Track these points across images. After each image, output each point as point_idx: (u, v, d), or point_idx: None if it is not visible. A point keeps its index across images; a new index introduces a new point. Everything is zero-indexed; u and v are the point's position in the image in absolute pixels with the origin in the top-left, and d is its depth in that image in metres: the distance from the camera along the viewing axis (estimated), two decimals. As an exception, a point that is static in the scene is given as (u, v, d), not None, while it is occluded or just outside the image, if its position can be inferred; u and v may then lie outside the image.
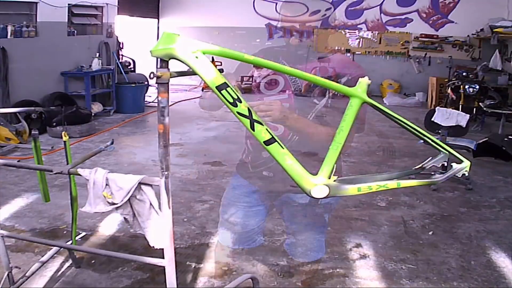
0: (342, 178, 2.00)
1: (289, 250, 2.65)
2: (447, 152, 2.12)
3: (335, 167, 1.94)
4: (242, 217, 2.56)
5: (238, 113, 1.80)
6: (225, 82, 1.78)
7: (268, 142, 1.83)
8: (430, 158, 2.20)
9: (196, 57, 1.76)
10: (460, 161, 2.09)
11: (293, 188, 2.13)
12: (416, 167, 2.18)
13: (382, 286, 3.34)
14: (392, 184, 1.98)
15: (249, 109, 1.80)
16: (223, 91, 1.78)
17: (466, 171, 2.09)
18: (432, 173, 2.18)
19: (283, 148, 1.85)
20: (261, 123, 1.82)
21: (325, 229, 2.61)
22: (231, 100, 1.79)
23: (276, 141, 1.83)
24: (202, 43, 1.79)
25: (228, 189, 2.64)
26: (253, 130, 1.82)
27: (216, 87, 1.77)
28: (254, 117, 1.80)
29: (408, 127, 2.07)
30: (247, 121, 1.81)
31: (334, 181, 1.92)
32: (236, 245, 2.67)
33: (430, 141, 2.12)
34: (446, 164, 2.13)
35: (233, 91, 1.79)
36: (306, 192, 1.90)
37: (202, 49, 1.77)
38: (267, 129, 1.83)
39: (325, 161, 1.94)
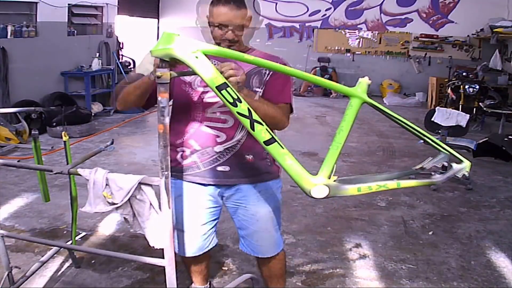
0: (342, 178, 2.00)
1: (246, 250, 2.61)
2: (447, 152, 2.12)
3: (334, 167, 1.94)
4: (199, 223, 2.51)
5: (238, 113, 1.80)
6: (225, 82, 1.78)
7: (268, 142, 1.83)
8: (430, 158, 2.20)
9: (196, 57, 1.76)
10: (460, 161, 2.08)
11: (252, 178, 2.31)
12: (416, 167, 2.18)
13: (382, 286, 3.34)
14: (392, 184, 1.98)
15: (249, 109, 1.80)
16: (223, 91, 1.78)
17: (466, 171, 2.08)
18: (432, 173, 2.18)
19: (283, 148, 1.85)
20: (261, 123, 1.82)
21: (279, 222, 2.60)
22: (231, 100, 1.78)
23: (276, 141, 1.83)
24: (202, 43, 1.79)
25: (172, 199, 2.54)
26: (253, 130, 1.81)
27: (216, 87, 1.77)
28: (254, 117, 1.80)
29: (408, 127, 2.07)
30: (247, 121, 1.80)
31: (334, 181, 1.92)
32: (197, 252, 2.61)
33: (430, 141, 2.12)
34: (446, 164, 2.13)
35: (233, 91, 1.79)
36: (306, 192, 1.90)
37: (202, 49, 1.77)
38: (266, 129, 1.82)
39: (325, 161, 1.93)
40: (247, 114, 1.79)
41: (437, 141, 2.13)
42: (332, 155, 1.93)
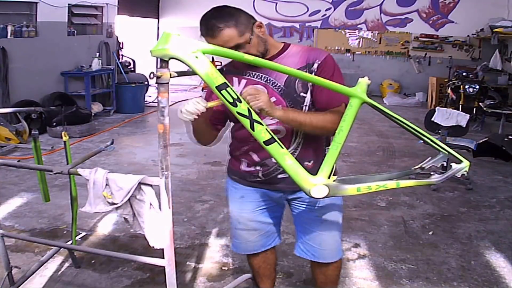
0: (342, 178, 2.00)
1: (305, 255, 2.57)
2: (446, 152, 2.12)
3: (334, 167, 1.94)
4: (261, 221, 2.50)
5: (238, 113, 1.80)
6: (225, 82, 1.78)
7: (268, 142, 1.83)
8: (430, 158, 2.20)
9: (196, 57, 1.76)
10: (460, 161, 2.09)
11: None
12: (416, 167, 2.18)
13: (382, 286, 3.34)
14: (391, 184, 1.98)
15: (249, 109, 1.80)
16: (223, 91, 1.78)
17: (465, 171, 2.08)
18: (432, 173, 2.19)
19: (282, 148, 1.85)
20: (261, 123, 1.82)
21: (340, 228, 2.55)
22: (231, 100, 1.78)
23: (276, 141, 1.83)
24: (202, 43, 1.79)
25: (235, 199, 2.53)
26: (253, 130, 1.81)
27: (216, 87, 1.77)
28: (254, 117, 1.80)
29: (408, 127, 2.07)
30: (246, 121, 1.80)
31: (334, 181, 1.92)
32: (258, 249, 2.60)
33: (429, 141, 2.12)
34: (445, 164, 2.13)
35: (233, 91, 1.79)
36: (306, 192, 1.90)
37: (201, 48, 1.77)
38: (266, 129, 1.82)
39: (325, 161, 1.94)
40: (247, 114, 1.80)
41: (437, 141, 2.14)
42: (331, 155, 1.93)
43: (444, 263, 3.67)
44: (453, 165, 2.08)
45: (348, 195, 1.97)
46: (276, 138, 1.83)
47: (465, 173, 2.08)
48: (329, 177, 1.91)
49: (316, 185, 1.88)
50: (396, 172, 2.14)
